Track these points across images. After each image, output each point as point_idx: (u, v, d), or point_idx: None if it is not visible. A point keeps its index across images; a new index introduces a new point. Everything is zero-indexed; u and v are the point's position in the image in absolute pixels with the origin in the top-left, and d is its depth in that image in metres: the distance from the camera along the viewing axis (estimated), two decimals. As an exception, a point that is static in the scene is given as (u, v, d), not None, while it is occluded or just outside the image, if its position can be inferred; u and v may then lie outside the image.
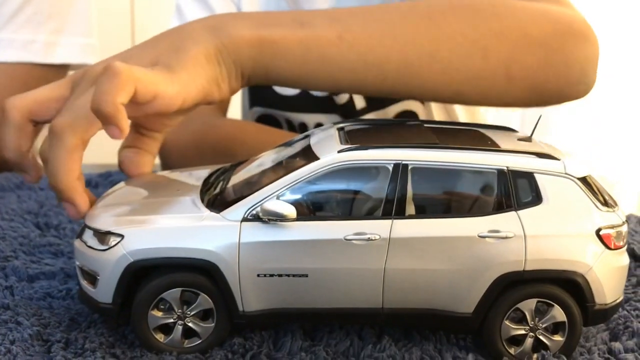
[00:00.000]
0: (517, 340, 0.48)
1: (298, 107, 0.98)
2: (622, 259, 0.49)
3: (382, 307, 0.48)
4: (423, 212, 0.47)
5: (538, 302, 0.48)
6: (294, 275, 0.47)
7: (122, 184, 0.56)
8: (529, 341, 0.48)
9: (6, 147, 0.55)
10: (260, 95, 1.00)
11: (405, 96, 0.68)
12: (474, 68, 0.64)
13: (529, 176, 0.48)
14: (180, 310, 0.48)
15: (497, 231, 0.47)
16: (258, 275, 0.47)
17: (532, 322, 0.48)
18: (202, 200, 0.49)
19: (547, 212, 0.47)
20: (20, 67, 0.93)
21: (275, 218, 0.46)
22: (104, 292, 0.48)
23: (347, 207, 0.47)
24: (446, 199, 0.48)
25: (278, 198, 0.47)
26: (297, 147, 0.52)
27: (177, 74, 0.53)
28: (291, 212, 0.46)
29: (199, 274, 0.47)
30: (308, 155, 0.49)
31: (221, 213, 0.47)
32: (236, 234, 0.47)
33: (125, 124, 0.49)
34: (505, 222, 0.47)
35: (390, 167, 0.47)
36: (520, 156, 0.48)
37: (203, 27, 0.58)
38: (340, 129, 0.53)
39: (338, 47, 0.61)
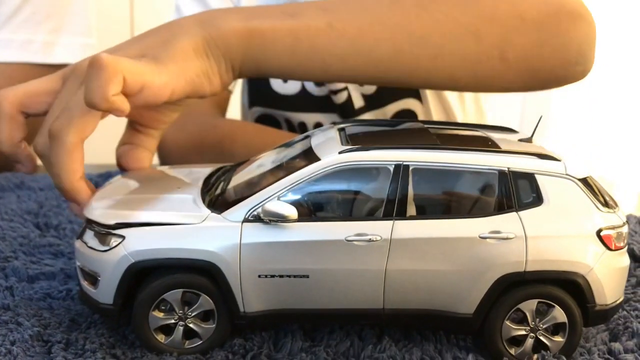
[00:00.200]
0: (518, 341, 0.48)
1: (297, 107, 0.98)
2: (623, 260, 0.49)
3: (383, 308, 0.48)
4: (424, 213, 0.47)
5: (539, 302, 0.48)
6: (295, 276, 0.47)
7: (119, 177, 0.56)
8: (529, 342, 0.48)
9: None
10: (260, 94, 1.00)
11: (398, 84, 0.68)
12: (466, 52, 0.64)
13: (529, 177, 0.48)
14: (181, 311, 0.48)
15: (498, 232, 0.47)
16: (259, 276, 0.47)
17: (533, 323, 0.48)
18: (204, 201, 0.49)
19: (547, 213, 0.47)
20: (18, 67, 0.93)
21: (276, 219, 0.46)
22: (105, 292, 0.48)
23: (348, 208, 0.48)
24: (447, 199, 0.48)
25: (279, 199, 0.47)
26: (298, 147, 0.52)
27: (165, 65, 0.53)
28: (292, 213, 0.46)
29: (200, 274, 0.47)
30: (309, 156, 0.49)
31: (222, 214, 0.47)
32: (237, 234, 0.47)
33: (125, 106, 0.49)
34: (506, 223, 0.47)
35: (391, 168, 0.47)
36: (521, 157, 0.48)
37: (193, 21, 0.58)
38: (341, 130, 0.53)
39: (328, 35, 0.61)
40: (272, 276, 0.47)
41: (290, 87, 0.97)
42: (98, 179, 0.85)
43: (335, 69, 0.62)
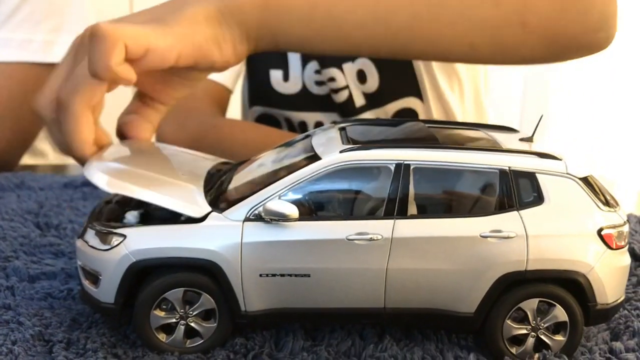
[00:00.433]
0: (519, 340, 0.48)
1: (297, 106, 0.98)
2: (624, 259, 0.49)
3: (384, 307, 0.48)
4: (425, 212, 0.47)
5: (540, 301, 0.48)
6: (296, 275, 0.47)
7: (117, 143, 0.56)
8: (530, 341, 0.48)
9: None
10: (260, 94, 1.00)
11: (417, 55, 0.67)
12: (486, 17, 0.63)
13: (530, 176, 0.48)
14: (182, 310, 0.48)
15: (499, 231, 0.47)
16: (260, 275, 0.47)
17: (534, 322, 0.48)
18: (205, 200, 0.49)
19: (548, 212, 0.47)
20: (18, 67, 0.93)
21: (277, 218, 0.46)
22: (106, 291, 0.48)
23: (349, 207, 0.48)
24: (448, 198, 0.48)
25: (280, 198, 0.47)
26: (299, 147, 0.52)
27: (171, 27, 0.53)
28: (293, 212, 0.46)
29: (201, 273, 0.47)
30: (310, 155, 0.49)
31: (223, 213, 0.47)
32: (238, 233, 0.47)
33: (130, 75, 0.50)
34: (507, 222, 0.47)
35: (392, 167, 0.47)
36: (522, 156, 0.48)
37: None
38: (341, 129, 0.53)
39: (345, 3, 0.60)
40: (273, 275, 0.47)
41: (290, 86, 0.97)
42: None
43: (354, 38, 0.61)
